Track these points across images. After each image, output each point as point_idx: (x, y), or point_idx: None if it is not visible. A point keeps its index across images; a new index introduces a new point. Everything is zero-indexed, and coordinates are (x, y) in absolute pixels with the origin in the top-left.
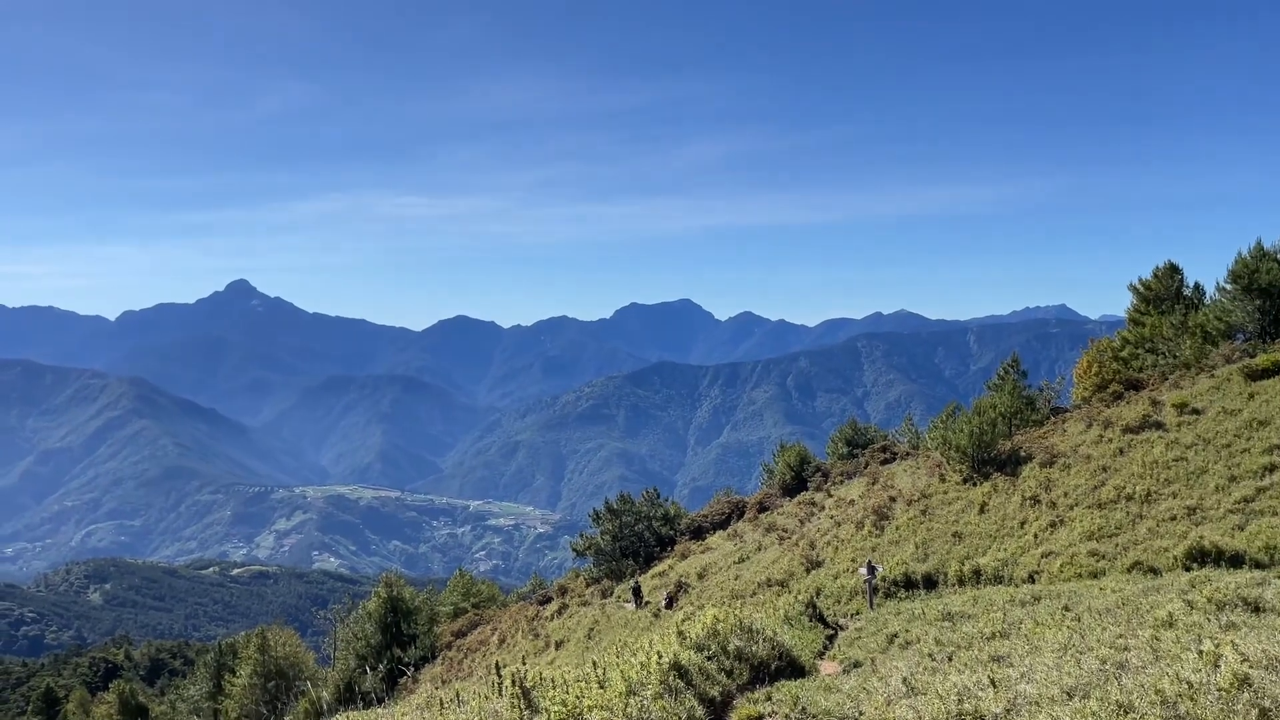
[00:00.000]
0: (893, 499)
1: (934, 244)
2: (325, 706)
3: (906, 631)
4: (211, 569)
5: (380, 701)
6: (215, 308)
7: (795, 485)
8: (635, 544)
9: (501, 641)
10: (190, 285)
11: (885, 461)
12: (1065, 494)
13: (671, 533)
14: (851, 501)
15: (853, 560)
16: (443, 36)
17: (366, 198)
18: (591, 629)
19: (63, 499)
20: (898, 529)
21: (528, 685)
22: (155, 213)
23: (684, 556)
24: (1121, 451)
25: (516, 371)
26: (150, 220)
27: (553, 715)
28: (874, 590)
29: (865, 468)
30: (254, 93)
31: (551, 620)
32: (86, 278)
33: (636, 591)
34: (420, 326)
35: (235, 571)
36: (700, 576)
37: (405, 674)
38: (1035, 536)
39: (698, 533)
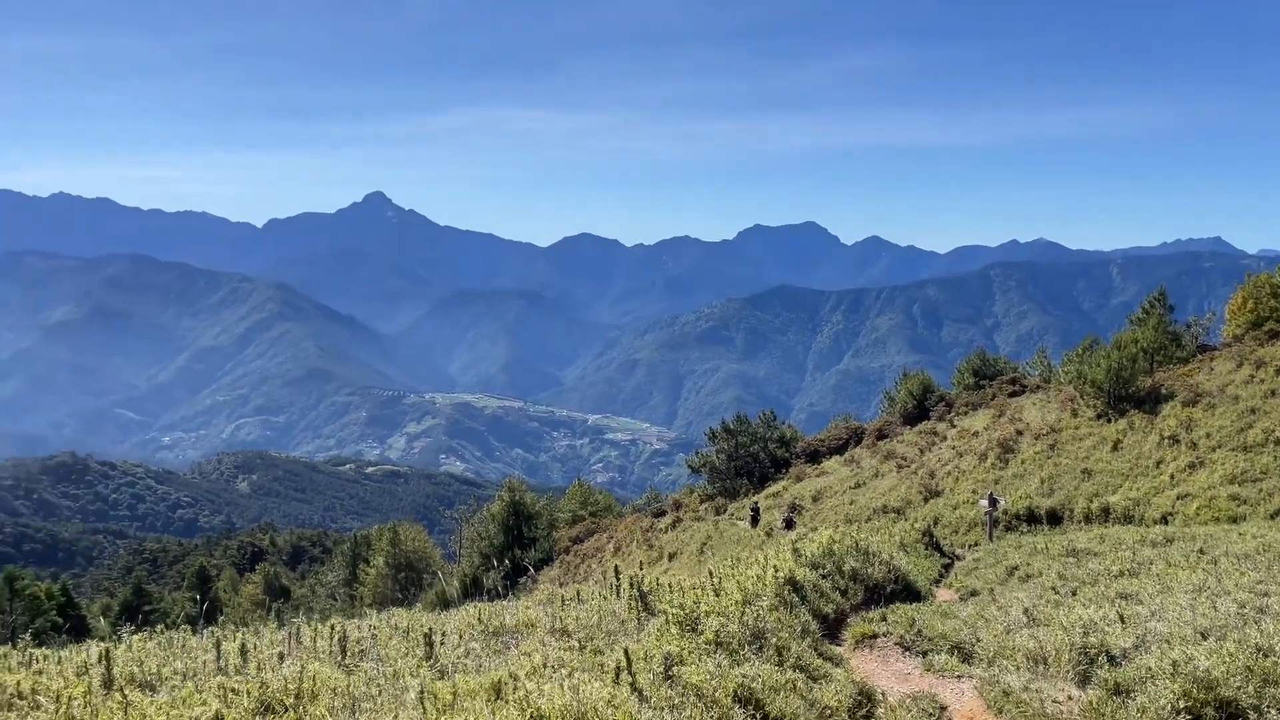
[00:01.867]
0: (1019, 432)
1: (1081, 169)
2: (452, 598)
3: (1028, 565)
4: (348, 466)
5: (502, 597)
6: (353, 218)
7: (917, 414)
8: (750, 464)
9: (616, 550)
10: (331, 195)
11: (1014, 394)
12: (1208, 435)
13: (787, 455)
14: (975, 433)
15: (973, 492)
16: None
17: (499, 112)
18: (704, 543)
19: (214, 394)
20: (1023, 463)
21: (644, 589)
22: (299, 123)
23: (799, 479)
24: (1274, 393)
25: (637, 290)
26: (296, 130)
27: (670, 618)
28: (994, 523)
29: (992, 399)
30: (393, 4)
31: (665, 533)
32: (236, 184)
33: (755, 512)
34: (546, 242)
35: (369, 470)
36: (815, 500)
37: (525, 574)
38: (1171, 477)
39: (813, 457)
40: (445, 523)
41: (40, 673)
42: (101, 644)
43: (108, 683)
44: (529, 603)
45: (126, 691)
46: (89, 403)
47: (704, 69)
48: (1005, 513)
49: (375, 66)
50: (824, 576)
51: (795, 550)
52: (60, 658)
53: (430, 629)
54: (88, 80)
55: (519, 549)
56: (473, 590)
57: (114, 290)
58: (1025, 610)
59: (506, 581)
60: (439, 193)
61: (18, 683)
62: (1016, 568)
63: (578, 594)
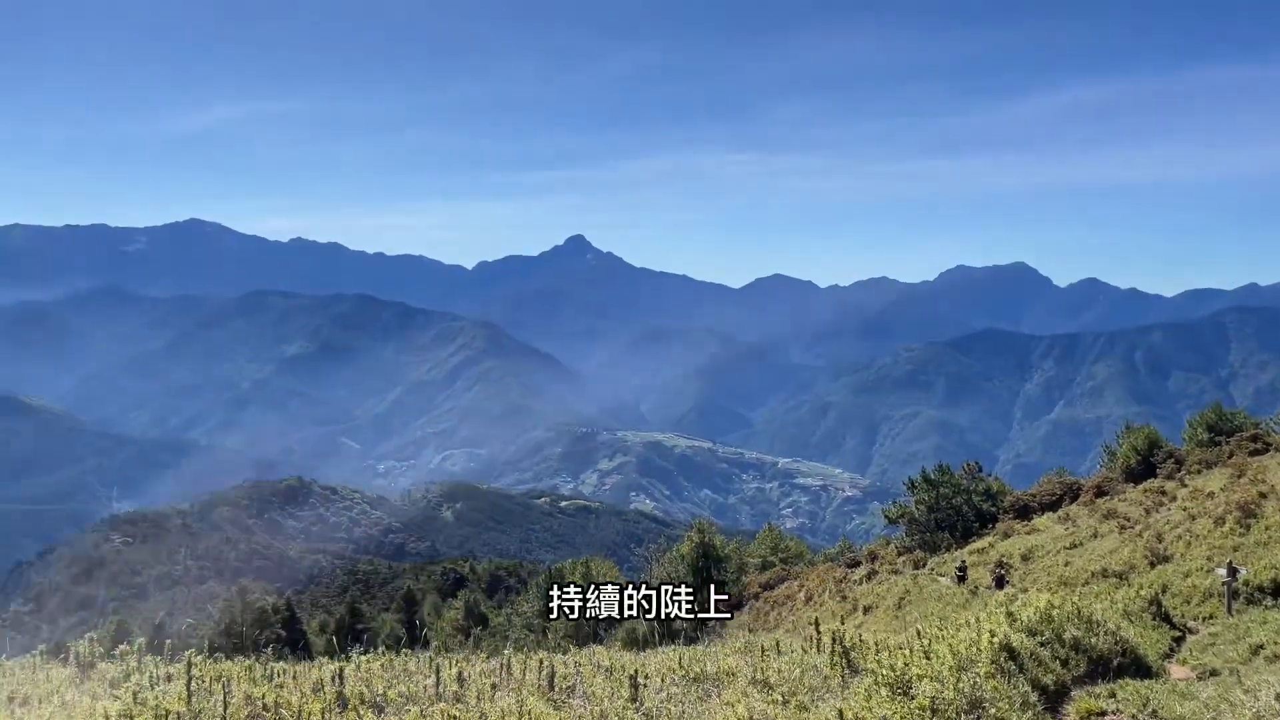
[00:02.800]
0: (1263, 495)
1: None
2: (642, 637)
3: (1275, 644)
4: (543, 499)
5: (692, 640)
6: (555, 260)
7: (1141, 471)
8: (952, 517)
9: (808, 599)
10: (535, 238)
11: (1255, 453)
12: None
13: (993, 509)
14: (1210, 494)
15: (1208, 559)
16: None
17: (694, 156)
18: (902, 598)
19: (425, 426)
20: (1267, 529)
21: (847, 644)
22: (510, 171)
23: (1006, 535)
24: None
25: (831, 332)
26: (505, 178)
27: (880, 679)
28: (1233, 594)
29: (1230, 458)
30: (598, 57)
31: (860, 584)
32: (451, 230)
33: (962, 570)
34: (739, 283)
35: (563, 504)
36: (1025, 559)
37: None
38: None
39: (1023, 512)
40: (634, 560)
41: (281, 686)
42: (336, 662)
43: (342, 701)
44: (726, 649)
45: (360, 711)
46: (315, 430)
47: (908, 108)
48: (1246, 584)
49: (579, 117)
50: (1042, 644)
51: (1009, 614)
52: (295, 673)
53: (635, 670)
54: (323, 138)
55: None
56: (662, 631)
57: (341, 327)
58: (1278, 696)
59: (696, 624)
60: (636, 235)
61: (263, 695)
62: (1262, 646)
63: (777, 645)
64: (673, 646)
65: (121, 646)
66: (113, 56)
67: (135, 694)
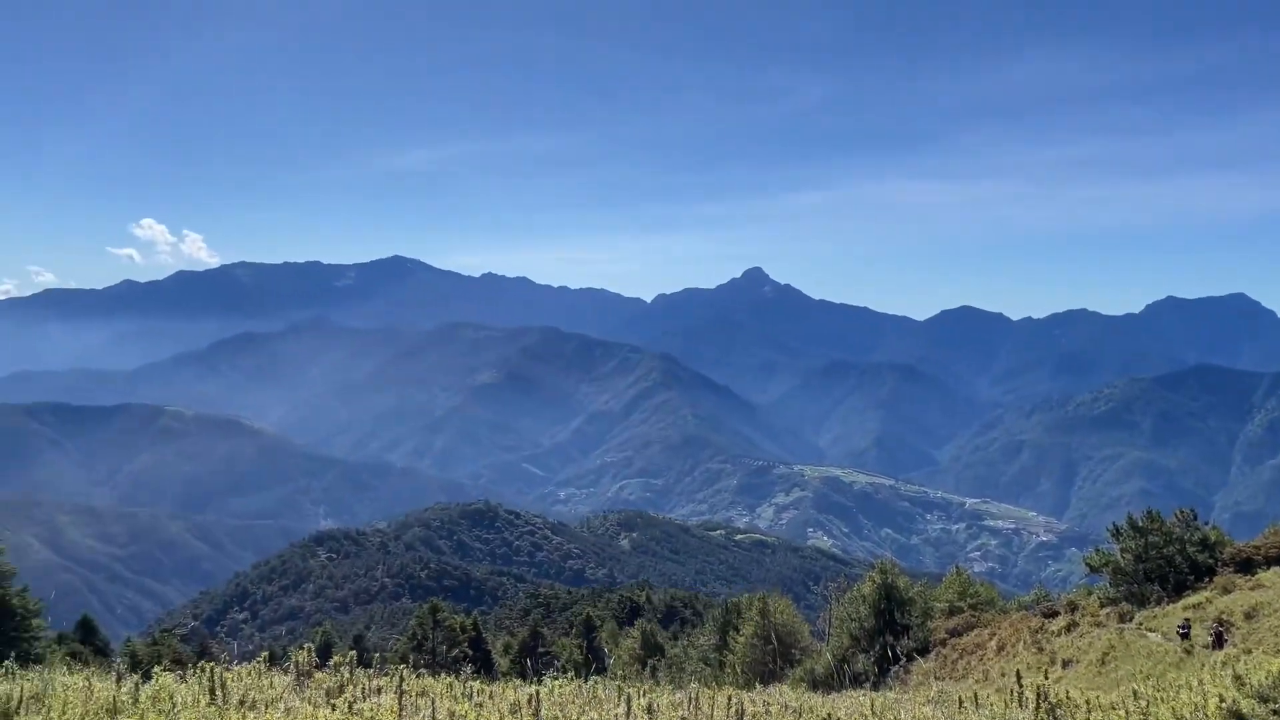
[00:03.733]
0: None
1: None
2: (822, 677)
3: None
4: (718, 532)
5: (875, 685)
6: (732, 293)
7: None
8: (1163, 568)
9: (1000, 649)
10: (713, 271)
11: None
12: None
13: (1210, 561)
14: None
15: None
16: (961, 15)
17: (876, 185)
18: (1106, 654)
19: (603, 455)
20: None
21: (1054, 701)
22: (688, 205)
23: (1226, 591)
24: None
25: (1024, 367)
26: (684, 212)
27: None
28: None
29: None
30: (779, 89)
31: (1058, 636)
32: (633, 263)
33: (1185, 628)
34: (922, 315)
35: (738, 537)
36: (1247, 617)
37: (897, 662)
38: None
39: (1245, 566)
40: (811, 598)
41: (480, 705)
42: (528, 685)
43: None
44: (918, 699)
45: None
46: (501, 457)
47: (1106, 129)
48: None
49: (758, 149)
50: (1275, 712)
51: (1236, 676)
52: (491, 693)
53: (826, 715)
54: (513, 177)
55: (890, 635)
56: (840, 672)
57: (527, 358)
58: None
59: (877, 667)
60: (815, 267)
61: (465, 713)
62: None
63: (975, 698)
64: (860, 691)
65: (336, 657)
66: (328, 108)
67: (350, 704)
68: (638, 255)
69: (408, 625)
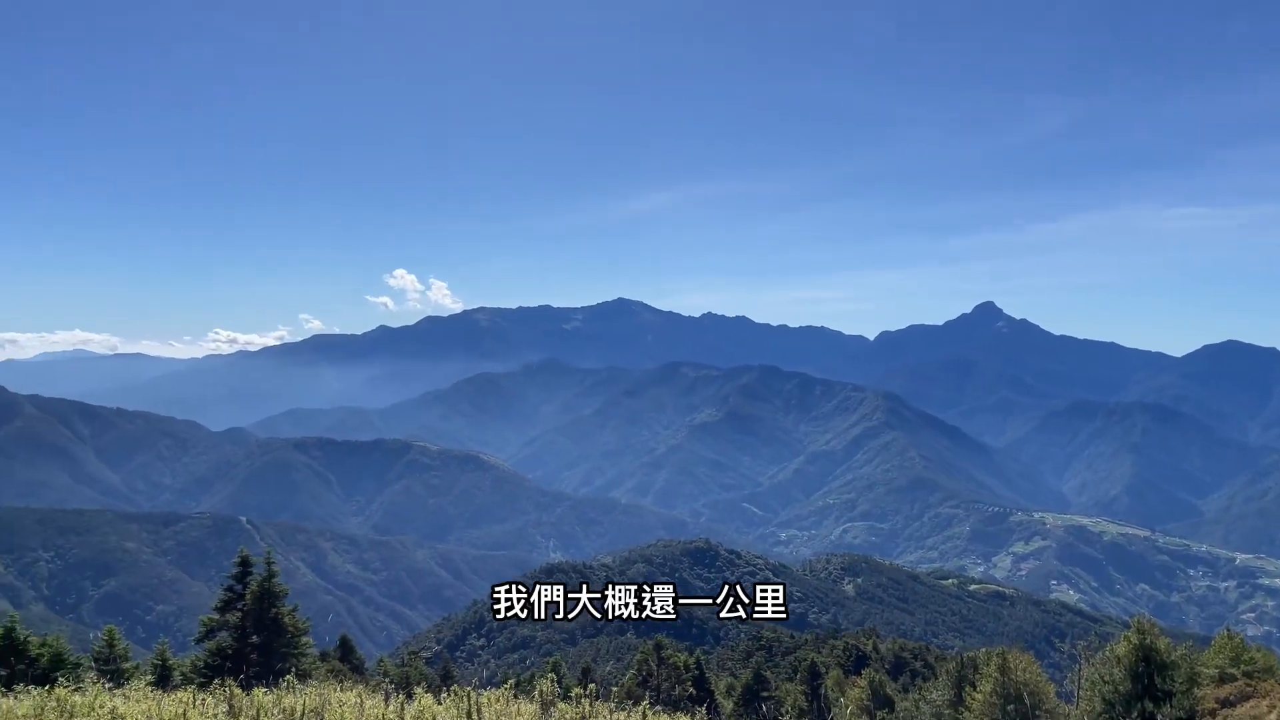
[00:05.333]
0: None
1: None
2: None
3: None
4: (950, 581)
5: None
6: (962, 329)
7: None
8: None
9: None
10: (940, 307)
11: None
12: None
13: None
14: None
15: None
16: (1223, 31)
17: (1124, 212)
18: None
19: (825, 496)
20: None
21: None
22: (915, 239)
23: None
24: None
25: None
26: (910, 246)
27: None
28: None
29: None
30: (1011, 115)
31: None
32: (855, 301)
33: None
34: (1180, 351)
35: (972, 587)
36: None
37: None
38: None
39: None
40: (1055, 656)
41: None
42: None
43: None
44: None
45: None
46: (721, 495)
47: None
48: None
49: (988, 179)
50: None
51: None
52: None
53: None
54: (733, 218)
55: (1150, 701)
56: None
57: (746, 397)
58: None
59: None
60: (1054, 301)
61: None
62: None
63: None
64: None
65: (576, 689)
66: (562, 159)
67: None
68: (859, 293)
69: (632, 660)
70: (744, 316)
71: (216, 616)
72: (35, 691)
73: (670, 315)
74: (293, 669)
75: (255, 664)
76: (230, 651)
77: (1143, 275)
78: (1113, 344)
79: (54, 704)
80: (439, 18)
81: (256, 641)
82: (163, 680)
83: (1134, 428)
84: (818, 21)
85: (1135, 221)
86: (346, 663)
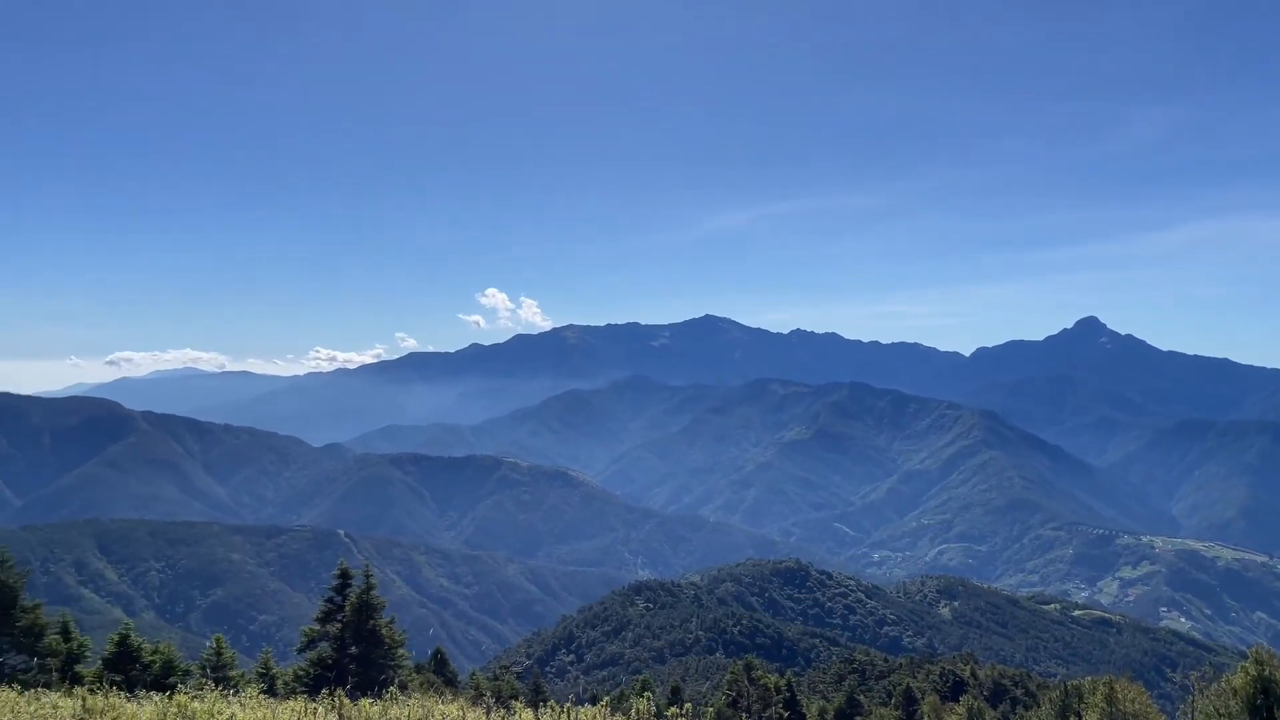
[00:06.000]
0: None
1: None
2: None
3: None
4: (1052, 606)
5: None
6: (1063, 345)
7: None
8: None
9: None
10: (1039, 322)
11: None
12: None
13: None
14: None
15: None
16: None
17: (1240, 221)
18: None
19: (920, 517)
20: None
21: None
22: (1012, 253)
23: None
24: None
25: None
26: (1007, 260)
27: None
28: None
29: None
30: (1115, 122)
31: None
32: (948, 317)
33: None
34: None
35: (1076, 613)
36: None
37: None
38: None
39: None
40: (1165, 686)
41: None
42: None
43: None
44: None
45: None
46: (811, 515)
47: None
48: None
49: (1093, 190)
50: None
51: None
52: None
53: None
54: (821, 234)
55: None
56: None
57: (836, 415)
58: None
59: None
60: (1161, 315)
61: None
62: None
63: None
64: None
65: (672, 708)
66: (647, 178)
67: None
68: (954, 308)
69: (721, 680)
70: (834, 333)
71: (317, 627)
72: (157, 698)
73: (758, 332)
74: (391, 680)
75: (354, 674)
76: (330, 661)
77: (1258, 288)
78: (1225, 360)
79: (174, 710)
80: (526, 43)
81: (355, 652)
82: (267, 688)
83: (1250, 448)
84: (906, 33)
85: (1248, 232)
86: (440, 675)
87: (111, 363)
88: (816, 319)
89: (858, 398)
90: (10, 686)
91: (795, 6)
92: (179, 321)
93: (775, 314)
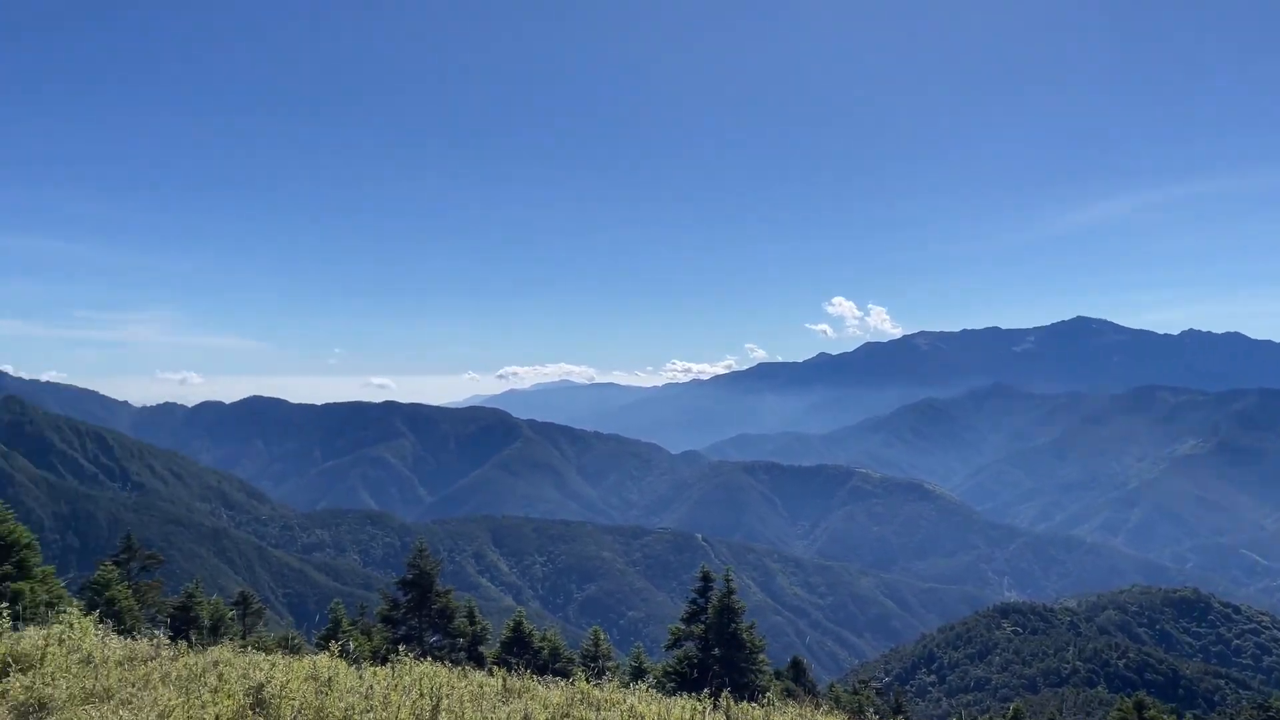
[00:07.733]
0: None
1: None
2: None
3: None
4: None
5: None
6: None
7: None
8: None
9: None
10: None
11: None
12: None
13: None
14: None
15: None
16: None
17: None
18: None
19: None
20: None
21: None
22: None
23: None
24: None
25: None
26: None
27: None
28: None
29: None
30: None
31: None
32: None
33: None
34: None
35: None
36: None
37: None
38: None
39: None
40: None
41: None
42: None
43: None
44: None
45: None
46: (1211, 539)
47: None
48: None
49: None
50: None
51: None
52: None
53: None
54: (1220, 220)
55: None
56: None
57: (1242, 426)
58: None
59: None
60: None
61: None
62: None
63: None
64: None
65: None
66: (1004, 170)
67: None
68: None
69: (1105, 717)
70: (1237, 333)
71: (683, 627)
72: (562, 683)
73: (1141, 334)
74: (752, 684)
75: (717, 676)
76: (695, 661)
77: None
78: None
79: (579, 695)
80: (872, 43)
81: (718, 654)
82: (638, 681)
83: None
84: None
85: None
86: (799, 684)
87: (501, 376)
88: (1214, 317)
89: (1269, 406)
90: (441, 663)
91: None
92: (555, 339)
93: (1160, 313)
